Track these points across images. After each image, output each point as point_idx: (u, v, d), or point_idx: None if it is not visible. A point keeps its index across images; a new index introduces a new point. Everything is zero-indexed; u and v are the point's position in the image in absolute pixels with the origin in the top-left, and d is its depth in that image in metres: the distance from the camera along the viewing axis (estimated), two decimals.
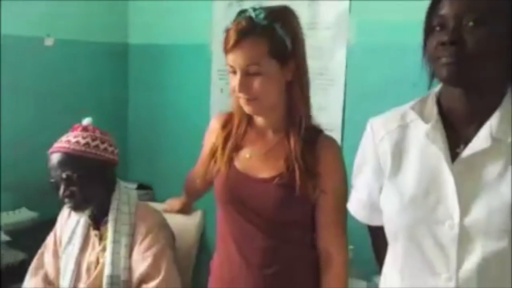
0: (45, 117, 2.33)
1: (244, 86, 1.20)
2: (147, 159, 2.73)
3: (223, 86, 2.31)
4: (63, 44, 2.42)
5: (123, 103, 2.76)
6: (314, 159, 1.26)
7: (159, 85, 2.61)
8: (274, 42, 1.19)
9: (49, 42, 2.39)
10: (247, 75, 1.20)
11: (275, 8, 1.24)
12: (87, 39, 2.52)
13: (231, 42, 1.18)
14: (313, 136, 1.30)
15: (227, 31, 1.21)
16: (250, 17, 1.19)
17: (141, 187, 2.60)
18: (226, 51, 1.21)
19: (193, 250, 1.79)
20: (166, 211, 1.81)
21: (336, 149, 1.32)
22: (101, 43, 2.60)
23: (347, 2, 1.90)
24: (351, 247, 1.41)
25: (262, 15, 1.19)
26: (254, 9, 1.20)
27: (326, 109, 1.97)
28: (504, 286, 0.93)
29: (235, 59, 1.20)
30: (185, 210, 1.83)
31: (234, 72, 1.22)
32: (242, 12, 1.24)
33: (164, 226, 1.65)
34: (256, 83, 1.20)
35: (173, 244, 1.66)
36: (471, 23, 0.91)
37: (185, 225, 1.82)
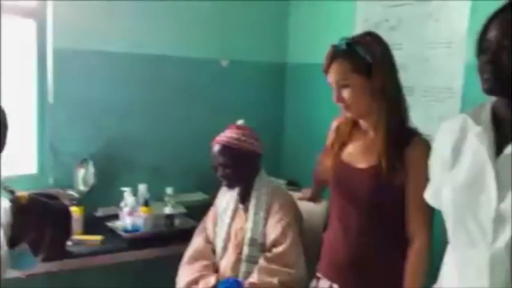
0: (217, 121, 2.94)
1: (338, 97, 1.60)
2: (296, 161, 3.19)
3: None
4: (234, 64, 3.02)
5: (279, 112, 3.26)
6: (402, 156, 1.56)
7: (313, 100, 3.02)
8: (356, 61, 1.55)
9: (224, 63, 3.01)
10: (339, 89, 1.59)
11: (359, 35, 1.61)
12: (252, 59, 3.08)
13: (325, 66, 1.60)
14: (407, 137, 1.60)
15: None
16: (334, 46, 1.59)
17: (289, 183, 3.06)
18: (324, 72, 1.62)
19: (319, 230, 2.18)
20: (300, 198, 2.24)
21: (425, 149, 1.52)
22: (263, 62, 3.13)
23: (466, 22, 2.10)
24: None
25: (343, 42, 1.57)
26: (341, 39, 1.59)
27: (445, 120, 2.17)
28: None
29: (330, 77, 1.60)
30: (314, 198, 2.24)
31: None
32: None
33: (293, 206, 2.09)
34: (346, 94, 1.58)
35: (300, 222, 2.07)
36: (507, 45, 1.16)
37: (313, 210, 2.23)
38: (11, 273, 1.56)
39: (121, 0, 2.61)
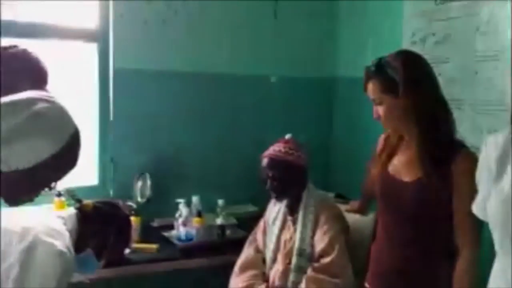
0: (267, 136, 3.02)
1: (375, 113, 1.67)
2: (345, 175, 3.22)
3: None
4: (283, 80, 3.12)
5: (328, 126, 3.31)
6: (448, 170, 1.58)
7: (361, 114, 3.05)
8: (385, 82, 1.61)
9: (273, 79, 3.11)
10: (376, 106, 1.66)
11: (392, 54, 1.65)
12: (301, 75, 3.16)
13: (364, 85, 1.69)
14: (453, 150, 1.62)
15: None
16: (366, 67, 1.67)
17: (338, 196, 3.10)
18: (364, 91, 1.70)
19: (367, 241, 2.21)
20: (347, 210, 2.28)
21: (472, 161, 1.50)
22: (312, 77, 3.20)
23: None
24: None
25: (374, 64, 1.64)
26: (374, 60, 1.65)
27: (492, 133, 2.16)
28: None
29: (368, 95, 1.67)
30: (362, 210, 2.27)
31: None
32: None
33: (340, 218, 2.13)
34: (381, 111, 1.64)
35: (347, 233, 2.12)
36: None
37: (362, 222, 2.26)
38: (75, 277, 1.70)
39: (176, 24, 2.78)
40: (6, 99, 1.19)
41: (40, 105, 1.19)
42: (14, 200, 1.27)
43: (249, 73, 3.00)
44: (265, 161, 2.17)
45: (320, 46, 3.20)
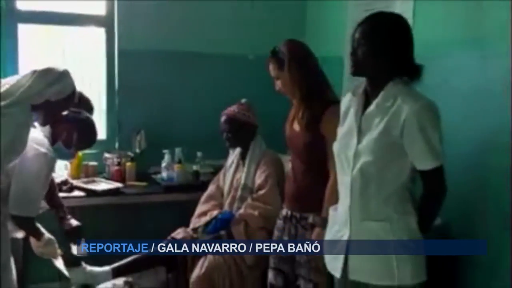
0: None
1: (276, 86, 2.30)
2: None
3: None
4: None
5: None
6: (320, 121, 2.18)
7: None
8: (277, 62, 2.24)
9: (251, 57, 3.75)
10: (276, 80, 2.29)
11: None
12: None
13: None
14: (323, 107, 2.19)
15: None
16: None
17: None
18: None
19: None
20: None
21: (333, 115, 2.03)
22: None
23: None
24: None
25: (271, 50, 2.28)
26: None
27: None
28: None
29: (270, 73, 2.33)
30: None
31: None
32: None
33: (276, 162, 2.82)
34: (279, 84, 2.29)
35: (281, 174, 2.78)
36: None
37: None
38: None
39: (172, 12, 3.48)
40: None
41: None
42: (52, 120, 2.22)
43: (229, 51, 3.67)
44: (222, 118, 2.88)
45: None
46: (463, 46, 2.38)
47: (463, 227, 2.33)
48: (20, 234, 2.40)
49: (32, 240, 2.37)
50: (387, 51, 1.75)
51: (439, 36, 2.52)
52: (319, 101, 2.23)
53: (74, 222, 2.52)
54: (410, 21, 2.60)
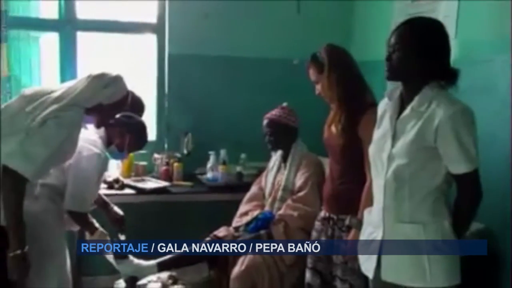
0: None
1: (316, 90, 2.37)
2: None
3: None
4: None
5: None
6: (358, 125, 2.23)
7: None
8: (317, 66, 2.31)
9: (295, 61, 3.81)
10: (316, 85, 2.36)
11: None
12: None
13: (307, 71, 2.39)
14: (361, 112, 2.23)
15: None
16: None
17: None
18: None
19: None
20: None
21: (370, 120, 2.09)
22: None
23: None
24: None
25: (311, 55, 2.34)
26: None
27: None
28: None
29: (310, 78, 2.39)
30: None
31: None
32: None
33: (316, 165, 2.88)
34: (319, 88, 2.36)
35: (321, 175, 2.83)
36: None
37: None
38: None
39: (220, 18, 3.60)
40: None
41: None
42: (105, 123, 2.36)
43: (274, 56, 3.75)
44: (264, 121, 2.97)
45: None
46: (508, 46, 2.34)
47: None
48: (75, 227, 2.57)
49: (87, 233, 2.54)
50: (421, 56, 1.77)
51: (483, 36, 2.49)
52: (357, 104, 2.27)
53: (119, 211, 2.70)
54: (454, 22, 2.62)
